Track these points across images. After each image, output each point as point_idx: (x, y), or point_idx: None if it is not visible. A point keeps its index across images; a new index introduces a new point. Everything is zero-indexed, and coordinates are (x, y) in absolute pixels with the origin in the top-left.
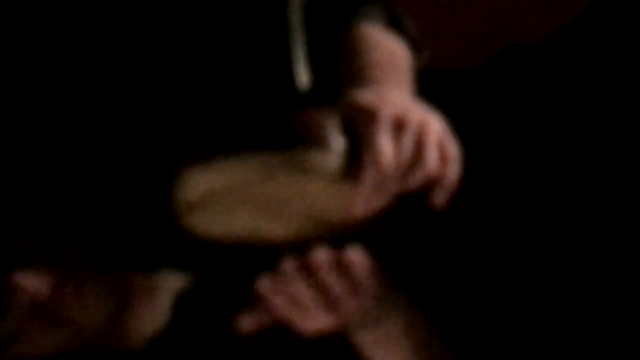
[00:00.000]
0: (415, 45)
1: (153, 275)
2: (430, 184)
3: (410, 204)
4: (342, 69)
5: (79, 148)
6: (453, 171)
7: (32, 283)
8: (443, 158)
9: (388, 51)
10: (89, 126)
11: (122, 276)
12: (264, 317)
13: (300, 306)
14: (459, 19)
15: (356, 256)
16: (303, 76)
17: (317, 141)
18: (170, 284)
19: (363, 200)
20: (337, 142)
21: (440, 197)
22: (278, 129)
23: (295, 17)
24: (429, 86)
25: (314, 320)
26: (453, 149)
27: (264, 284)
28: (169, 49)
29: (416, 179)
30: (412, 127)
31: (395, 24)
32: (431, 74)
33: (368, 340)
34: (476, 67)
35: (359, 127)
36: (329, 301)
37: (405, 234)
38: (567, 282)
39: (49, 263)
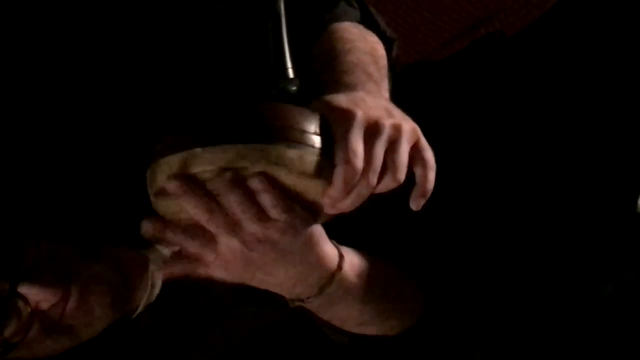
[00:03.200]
0: (387, 39)
1: (146, 251)
2: (406, 188)
3: (387, 204)
4: (320, 69)
5: (70, 140)
6: (429, 176)
7: (36, 293)
8: (420, 162)
9: (366, 50)
10: (75, 113)
11: (121, 253)
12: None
13: (199, 231)
14: (441, 12)
15: (260, 184)
16: (290, 68)
17: (293, 137)
18: (161, 257)
19: (332, 201)
20: (313, 140)
21: (416, 202)
22: (255, 121)
23: (283, 9)
24: (409, 78)
25: (215, 245)
26: (429, 155)
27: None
28: (153, 38)
29: (386, 184)
30: (385, 131)
31: (368, 19)
32: (411, 66)
33: (314, 306)
34: (452, 55)
35: (334, 128)
36: (228, 223)
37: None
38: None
39: (56, 266)
